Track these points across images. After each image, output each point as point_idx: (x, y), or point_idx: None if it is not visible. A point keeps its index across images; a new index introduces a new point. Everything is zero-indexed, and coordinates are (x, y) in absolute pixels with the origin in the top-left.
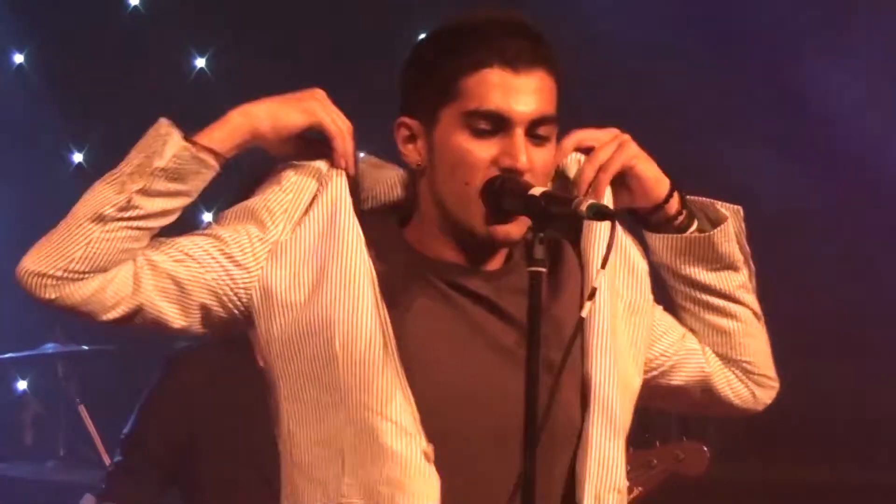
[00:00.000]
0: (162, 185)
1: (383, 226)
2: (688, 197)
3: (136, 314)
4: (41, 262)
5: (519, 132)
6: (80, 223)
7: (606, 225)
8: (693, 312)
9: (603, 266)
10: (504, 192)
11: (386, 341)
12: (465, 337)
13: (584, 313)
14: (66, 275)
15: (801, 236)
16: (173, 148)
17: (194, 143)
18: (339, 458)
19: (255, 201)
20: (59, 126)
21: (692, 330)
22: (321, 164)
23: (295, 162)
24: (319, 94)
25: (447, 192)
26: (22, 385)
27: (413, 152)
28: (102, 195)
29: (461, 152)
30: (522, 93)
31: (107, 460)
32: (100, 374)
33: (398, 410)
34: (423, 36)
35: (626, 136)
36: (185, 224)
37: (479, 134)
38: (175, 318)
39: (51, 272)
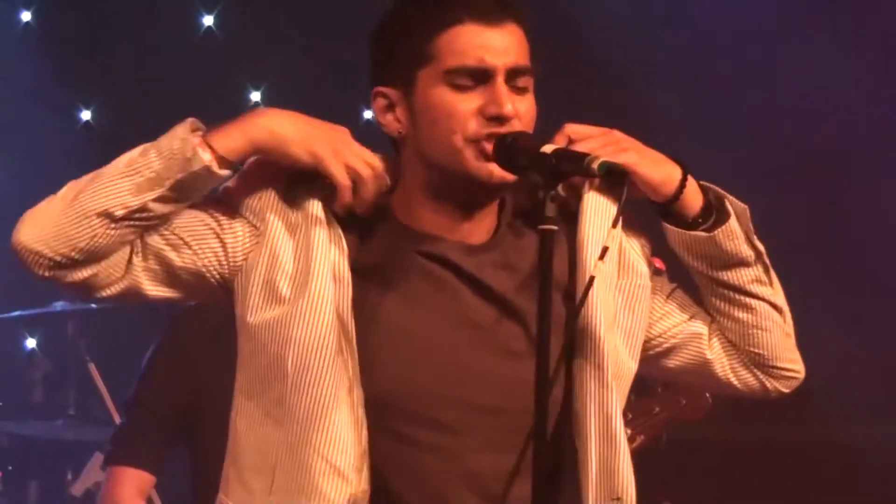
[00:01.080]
0: (176, 194)
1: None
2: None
3: (126, 292)
4: (41, 242)
5: (500, 81)
6: (87, 215)
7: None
8: (707, 295)
9: (614, 225)
10: (516, 149)
11: (342, 346)
12: (444, 312)
13: (593, 271)
14: (64, 260)
15: None
16: (197, 165)
17: (212, 158)
18: (270, 473)
19: (240, 199)
20: (66, 84)
21: (712, 308)
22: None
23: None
24: (342, 138)
25: (435, 148)
26: (31, 343)
27: (392, 121)
28: (117, 192)
29: (445, 106)
30: (497, 44)
31: (117, 419)
32: (110, 333)
33: (338, 450)
34: (387, 8)
35: (619, 135)
36: None
37: (461, 89)
38: (156, 294)
39: (50, 255)
